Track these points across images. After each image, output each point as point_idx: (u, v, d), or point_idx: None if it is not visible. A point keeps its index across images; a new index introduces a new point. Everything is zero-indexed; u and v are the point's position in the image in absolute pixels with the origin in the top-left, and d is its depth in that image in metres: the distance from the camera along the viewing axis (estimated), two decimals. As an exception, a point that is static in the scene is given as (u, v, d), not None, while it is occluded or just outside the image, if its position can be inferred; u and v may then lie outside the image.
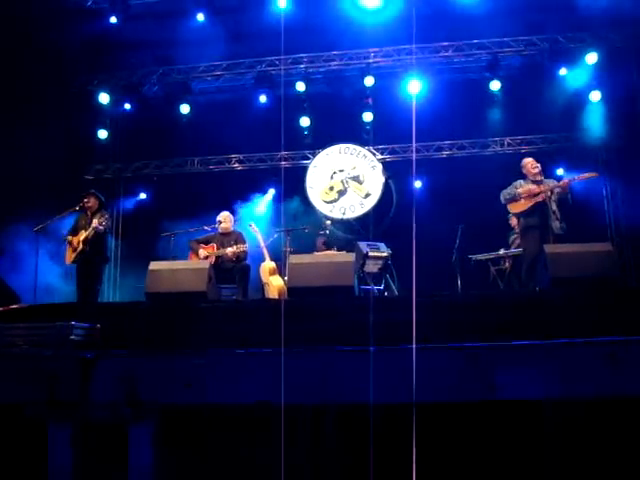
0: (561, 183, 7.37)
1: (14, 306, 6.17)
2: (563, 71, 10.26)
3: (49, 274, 9.17)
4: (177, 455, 2.84)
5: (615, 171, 10.40)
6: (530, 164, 7.62)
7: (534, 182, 7.49)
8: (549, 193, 7.30)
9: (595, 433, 2.70)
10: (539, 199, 7.34)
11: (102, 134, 11.55)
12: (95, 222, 7.98)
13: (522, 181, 7.57)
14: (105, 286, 11.18)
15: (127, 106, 11.56)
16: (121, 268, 11.69)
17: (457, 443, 2.81)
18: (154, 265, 6.65)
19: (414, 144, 10.66)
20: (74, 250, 8.10)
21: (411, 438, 2.34)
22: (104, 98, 11.34)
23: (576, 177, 7.64)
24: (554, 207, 7.29)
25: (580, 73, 10.25)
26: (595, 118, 10.35)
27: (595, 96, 10.22)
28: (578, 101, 10.34)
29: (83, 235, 8.02)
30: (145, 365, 2.75)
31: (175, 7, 10.74)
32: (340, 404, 2.65)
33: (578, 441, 2.72)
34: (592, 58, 10.06)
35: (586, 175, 7.58)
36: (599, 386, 2.52)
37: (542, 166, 7.66)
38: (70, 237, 8.18)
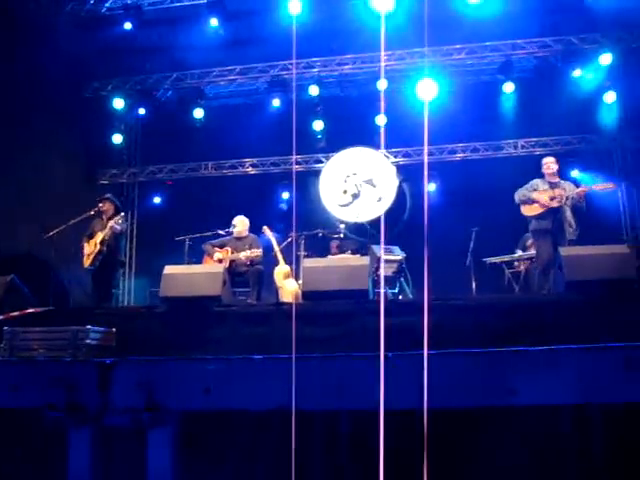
0: (578, 191, 7.32)
1: (30, 310, 6.23)
2: (577, 72, 10.19)
3: (64, 279, 9.23)
4: (195, 460, 2.86)
5: (630, 173, 10.33)
6: (547, 165, 7.58)
7: (550, 183, 7.45)
8: (564, 199, 7.26)
9: (612, 439, 2.70)
10: (554, 204, 7.30)
11: (117, 139, 11.64)
12: (112, 222, 8.04)
13: (539, 180, 7.53)
14: (120, 290, 11.28)
15: (141, 111, 11.66)
16: (136, 272, 11.78)
17: (471, 450, 2.81)
18: (169, 269, 6.66)
19: (426, 147, 10.64)
20: (91, 253, 8.16)
21: (425, 445, 2.35)
22: (118, 103, 11.41)
23: (593, 186, 7.60)
24: (568, 213, 7.26)
25: (594, 74, 10.18)
26: (610, 119, 10.30)
27: (610, 97, 10.16)
28: (592, 102, 10.28)
29: (100, 237, 8.09)
30: (163, 370, 2.77)
31: (188, 12, 10.81)
32: (356, 410, 2.66)
33: (595, 446, 2.72)
34: (606, 59, 9.97)
35: (603, 186, 7.55)
36: (614, 392, 2.51)
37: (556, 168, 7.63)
38: (87, 241, 8.25)
